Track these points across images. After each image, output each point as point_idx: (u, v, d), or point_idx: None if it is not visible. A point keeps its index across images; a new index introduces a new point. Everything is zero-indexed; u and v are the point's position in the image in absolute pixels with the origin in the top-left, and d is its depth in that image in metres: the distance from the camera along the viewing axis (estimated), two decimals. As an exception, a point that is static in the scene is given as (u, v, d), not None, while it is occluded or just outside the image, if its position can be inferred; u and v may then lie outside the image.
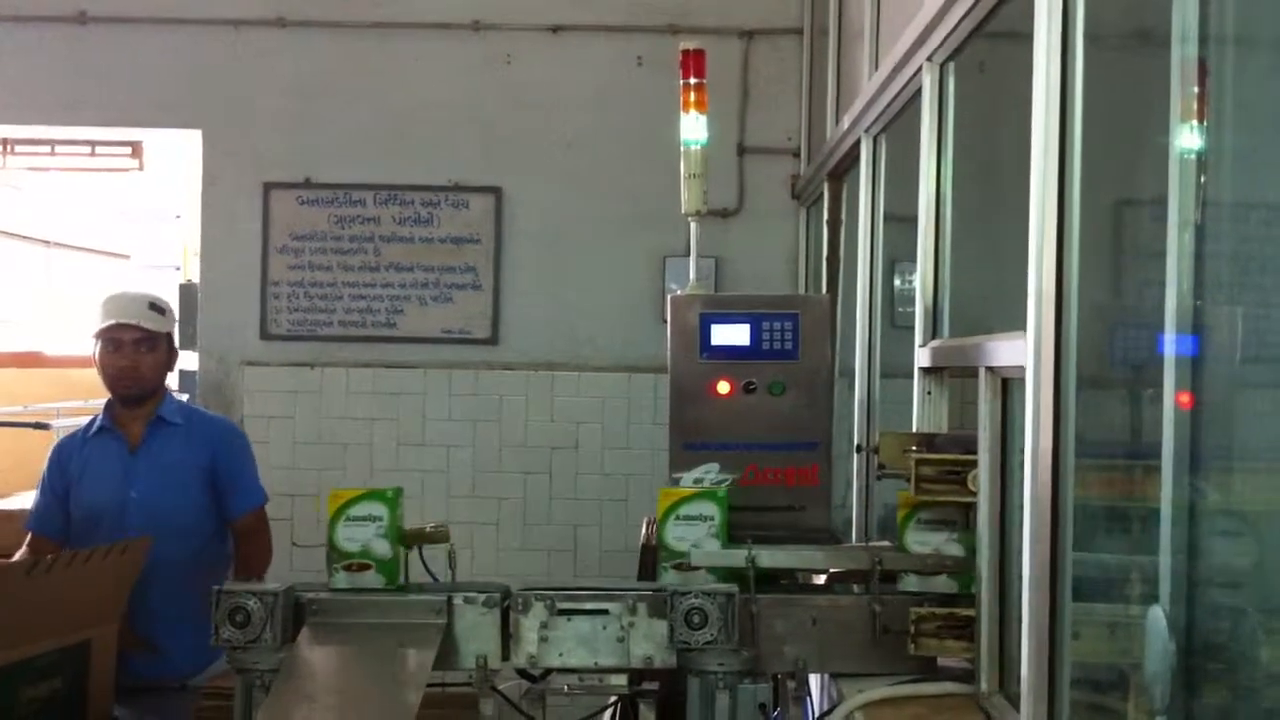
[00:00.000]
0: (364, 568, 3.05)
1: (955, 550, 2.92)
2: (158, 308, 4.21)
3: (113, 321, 4.12)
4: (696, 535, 3.07)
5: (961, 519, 2.92)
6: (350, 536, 3.06)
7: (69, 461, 4.22)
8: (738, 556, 3.03)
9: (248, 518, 4.24)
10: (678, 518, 3.08)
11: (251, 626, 2.87)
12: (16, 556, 4.11)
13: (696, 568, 3.05)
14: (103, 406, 4.26)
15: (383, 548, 3.05)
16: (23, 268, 14.26)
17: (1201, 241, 2.02)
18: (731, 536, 3.14)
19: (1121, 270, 2.73)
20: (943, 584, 2.94)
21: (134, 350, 4.13)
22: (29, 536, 4.26)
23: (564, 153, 6.58)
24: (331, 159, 6.60)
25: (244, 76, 6.61)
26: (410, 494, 6.62)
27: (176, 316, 4.47)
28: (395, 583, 3.05)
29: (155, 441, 4.16)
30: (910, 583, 2.97)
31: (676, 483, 3.51)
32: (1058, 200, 2.37)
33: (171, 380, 4.57)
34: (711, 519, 3.08)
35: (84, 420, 4.44)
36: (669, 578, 3.06)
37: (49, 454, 4.33)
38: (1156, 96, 2.11)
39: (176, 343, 4.36)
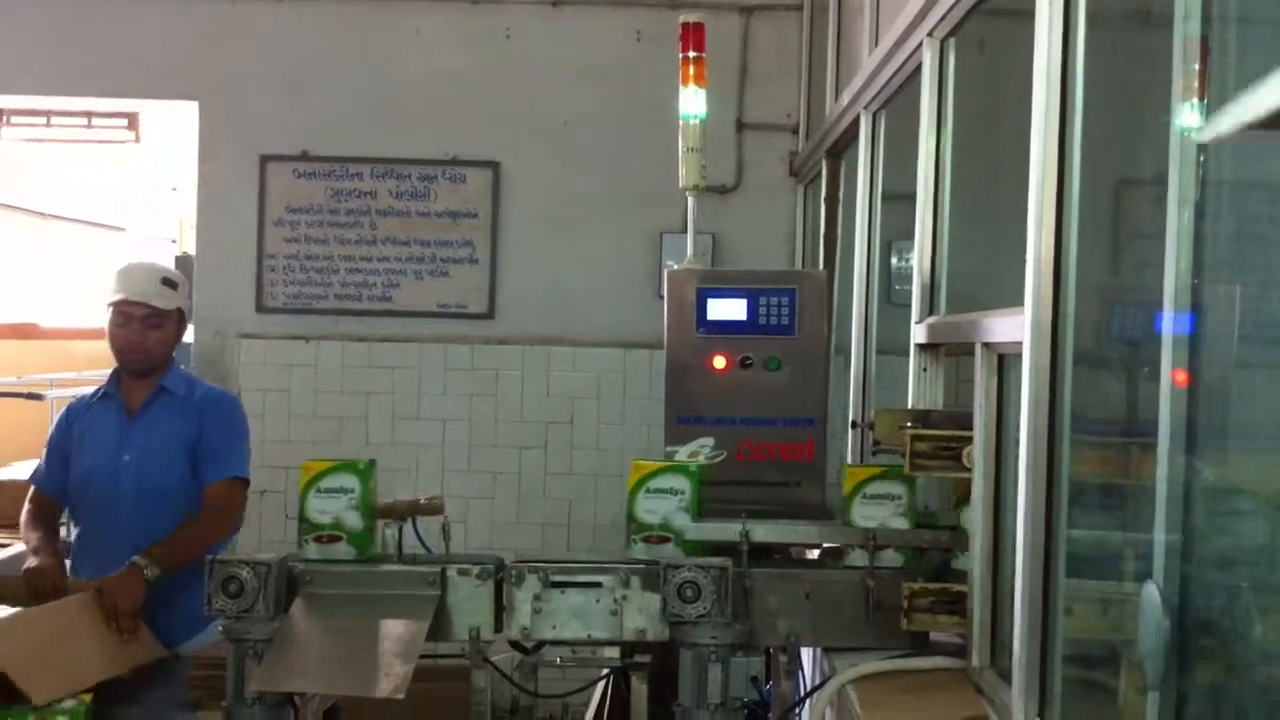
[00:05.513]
0: (334, 539, 3.05)
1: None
2: (170, 283, 4.23)
3: (122, 297, 4.15)
4: (667, 509, 3.07)
5: None
6: (322, 509, 3.06)
7: (74, 424, 4.27)
8: (731, 531, 3.03)
9: (217, 486, 4.09)
10: (649, 490, 3.08)
11: (245, 596, 2.88)
12: (23, 514, 4.23)
13: (665, 540, 3.05)
14: (109, 374, 4.29)
15: (354, 519, 3.06)
16: (18, 239, 14.22)
17: (1201, 220, 2.02)
18: (726, 511, 3.14)
19: (1120, 248, 2.73)
20: None
21: (142, 326, 4.15)
22: (31, 490, 4.32)
23: (562, 128, 6.56)
24: (328, 132, 6.58)
25: (241, 48, 6.58)
26: (405, 467, 6.68)
27: (189, 289, 4.46)
28: (367, 554, 3.05)
29: (153, 409, 4.18)
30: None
31: (670, 456, 3.51)
32: (1057, 178, 2.37)
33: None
34: (682, 493, 3.08)
35: (79, 391, 4.47)
36: (638, 550, 3.06)
37: (60, 414, 4.40)
38: (1158, 74, 2.10)
39: (188, 315, 4.38)
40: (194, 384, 4.36)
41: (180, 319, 4.29)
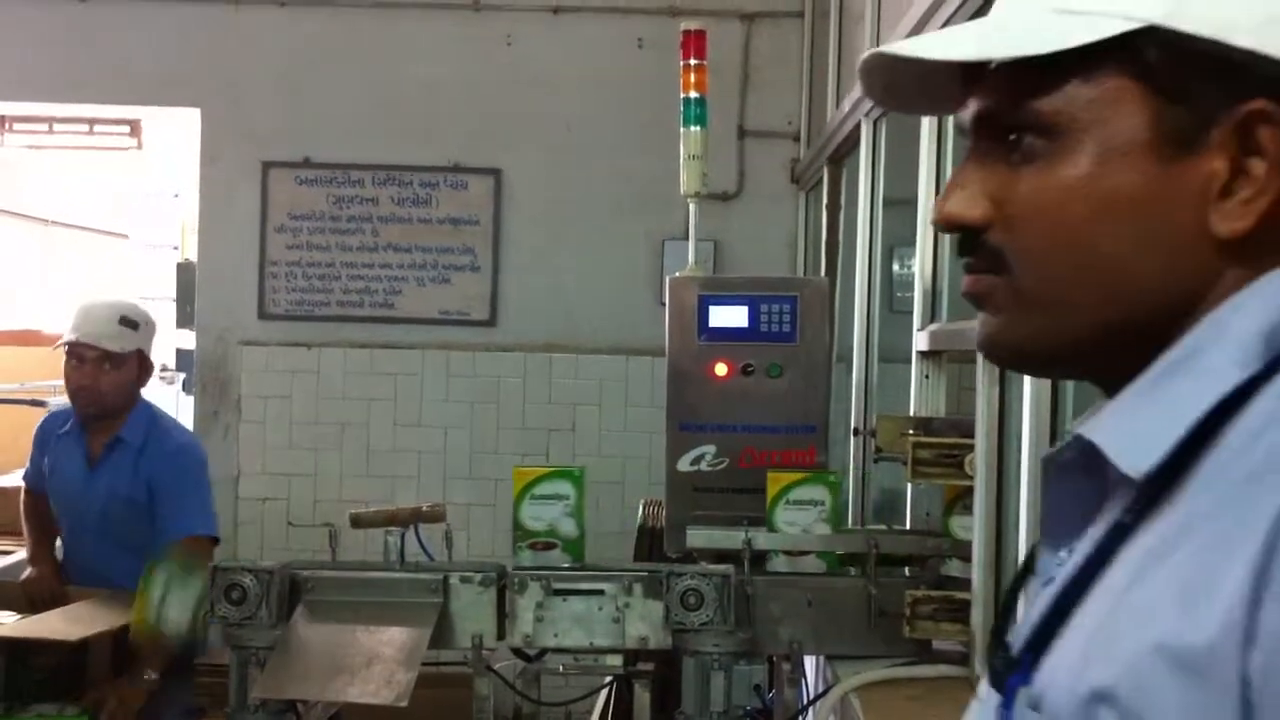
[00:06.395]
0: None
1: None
2: (130, 322, 3.99)
3: (73, 338, 3.95)
4: (552, 515, 3.06)
5: None
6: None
7: (46, 448, 4.18)
8: (735, 538, 3.03)
9: (177, 549, 3.75)
10: (533, 497, 3.07)
11: (247, 603, 2.88)
12: (21, 507, 4.26)
13: (551, 546, 3.04)
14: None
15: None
16: (20, 246, 14.24)
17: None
18: (728, 518, 3.14)
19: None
20: None
21: (94, 368, 3.93)
22: (24, 488, 4.30)
23: (564, 134, 6.56)
24: (330, 139, 6.58)
25: (243, 55, 6.59)
26: (407, 474, 6.68)
27: (155, 328, 4.21)
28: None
29: (110, 462, 4.00)
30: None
31: (674, 466, 3.52)
32: (1058, 184, 2.36)
33: (168, 360, 4.55)
34: (567, 498, 3.05)
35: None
36: (524, 558, 3.04)
37: (36, 427, 4.31)
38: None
39: (151, 355, 4.16)
40: (153, 430, 4.06)
41: (142, 361, 4.04)
